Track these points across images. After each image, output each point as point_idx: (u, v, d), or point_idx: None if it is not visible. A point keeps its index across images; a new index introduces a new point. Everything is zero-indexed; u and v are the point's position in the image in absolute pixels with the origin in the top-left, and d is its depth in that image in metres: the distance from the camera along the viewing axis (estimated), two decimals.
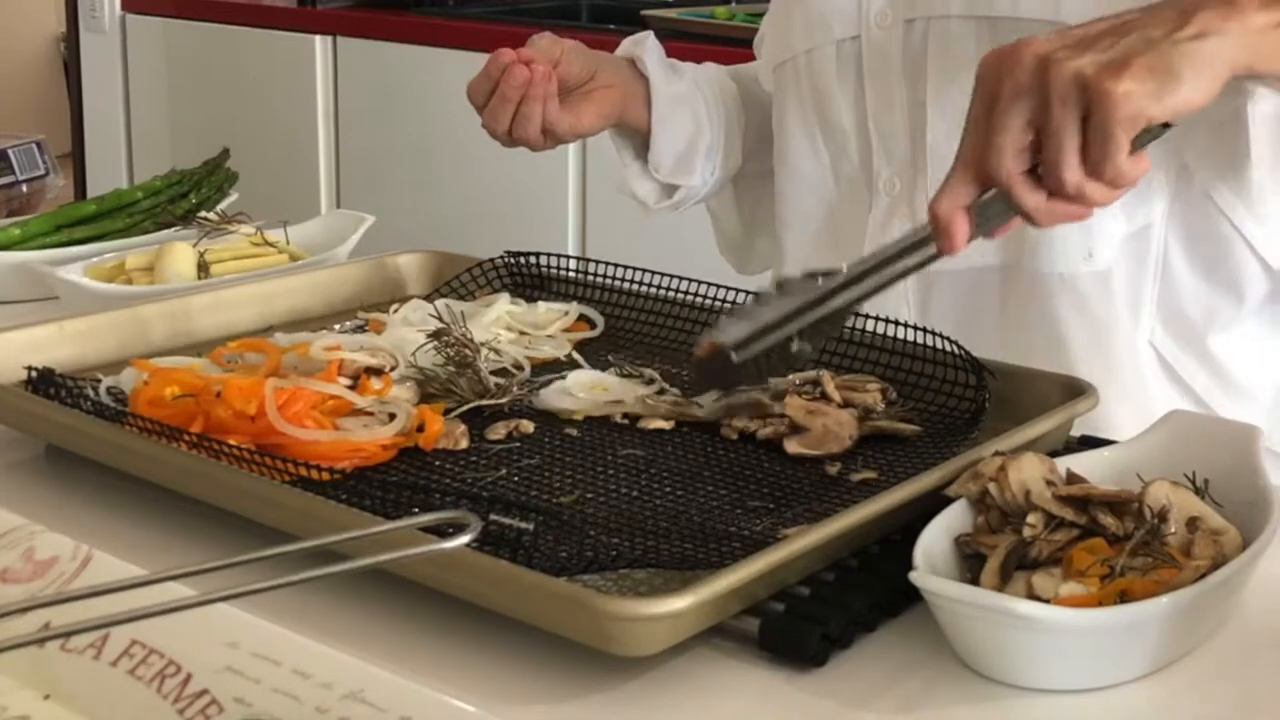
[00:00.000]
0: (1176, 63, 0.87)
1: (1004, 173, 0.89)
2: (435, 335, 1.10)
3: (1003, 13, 1.18)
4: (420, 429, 1.01)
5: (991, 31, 1.18)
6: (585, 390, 1.09)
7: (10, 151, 1.86)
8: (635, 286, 1.28)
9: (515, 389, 1.08)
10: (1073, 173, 0.87)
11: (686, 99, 1.39)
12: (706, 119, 1.41)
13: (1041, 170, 0.89)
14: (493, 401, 1.06)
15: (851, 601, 0.81)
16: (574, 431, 1.05)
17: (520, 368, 1.14)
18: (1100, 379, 1.07)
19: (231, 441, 0.94)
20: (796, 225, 1.36)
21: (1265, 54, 0.91)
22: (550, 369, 1.15)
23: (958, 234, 0.91)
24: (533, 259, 1.36)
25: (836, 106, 1.30)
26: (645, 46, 1.38)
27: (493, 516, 0.86)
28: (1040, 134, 0.88)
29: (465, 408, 1.06)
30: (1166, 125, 0.89)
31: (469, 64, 3.37)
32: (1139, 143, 0.88)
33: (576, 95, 1.33)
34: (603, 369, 1.15)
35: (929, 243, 0.92)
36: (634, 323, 1.26)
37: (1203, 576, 0.78)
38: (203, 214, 1.56)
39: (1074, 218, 0.91)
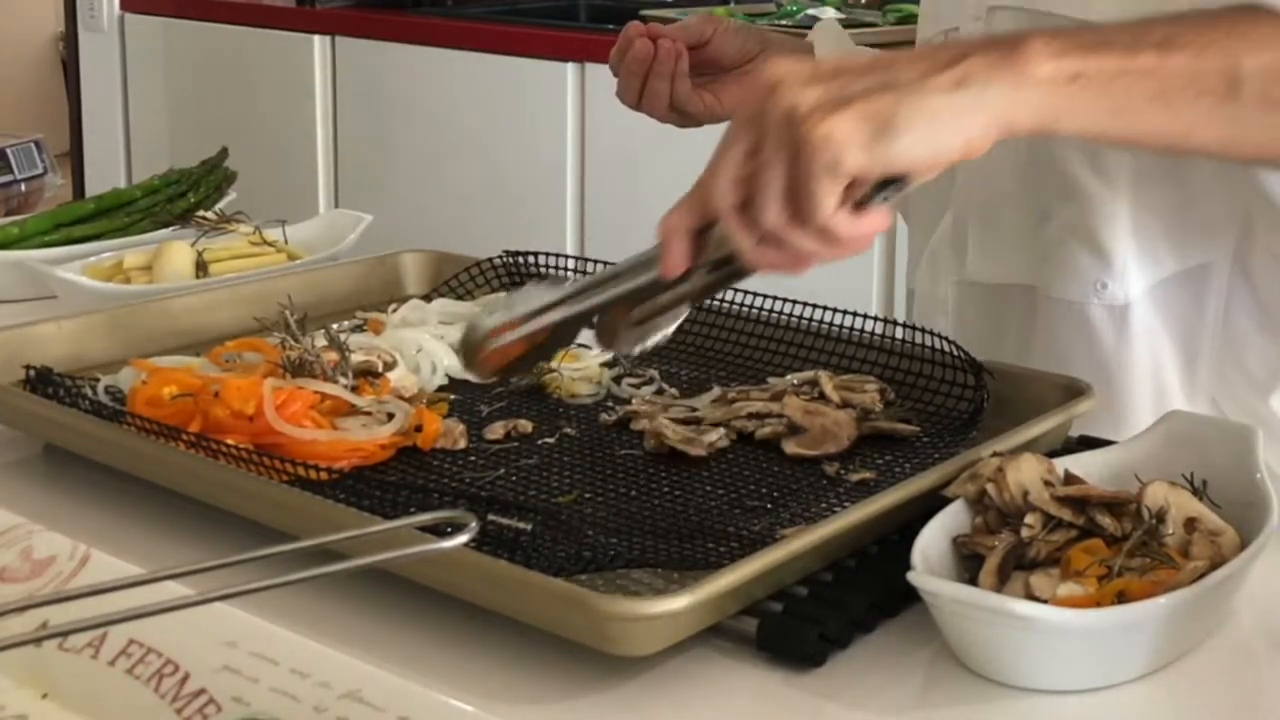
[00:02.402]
0: (903, 112, 0.77)
1: (716, 202, 0.80)
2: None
3: (1038, 6, 1.13)
4: (418, 429, 1.01)
5: (1032, 25, 1.12)
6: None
7: (9, 150, 1.86)
8: None
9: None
10: (771, 216, 0.78)
11: None
12: None
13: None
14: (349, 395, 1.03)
15: (849, 602, 0.81)
16: (572, 431, 1.05)
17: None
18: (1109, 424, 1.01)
19: (229, 441, 0.94)
20: (913, 215, 1.34)
21: (1057, 110, 0.80)
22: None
23: (672, 257, 0.83)
24: (531, 258, 1.36)
25: None
26: (821, 34, 1.36)
27: (491, 516, 0.86)
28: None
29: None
30: (902, 180, 0.79)
31: (467, 64, 3.37)
32: (871, 196, 0.79)
33: (731, 76, 1.30)
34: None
35: (657, 263, 0.84)
36: None
37: (1201, 577, 0.78)
38: (201, 213, 1.56)
39: (786, 268, 0.81)
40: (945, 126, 0.78)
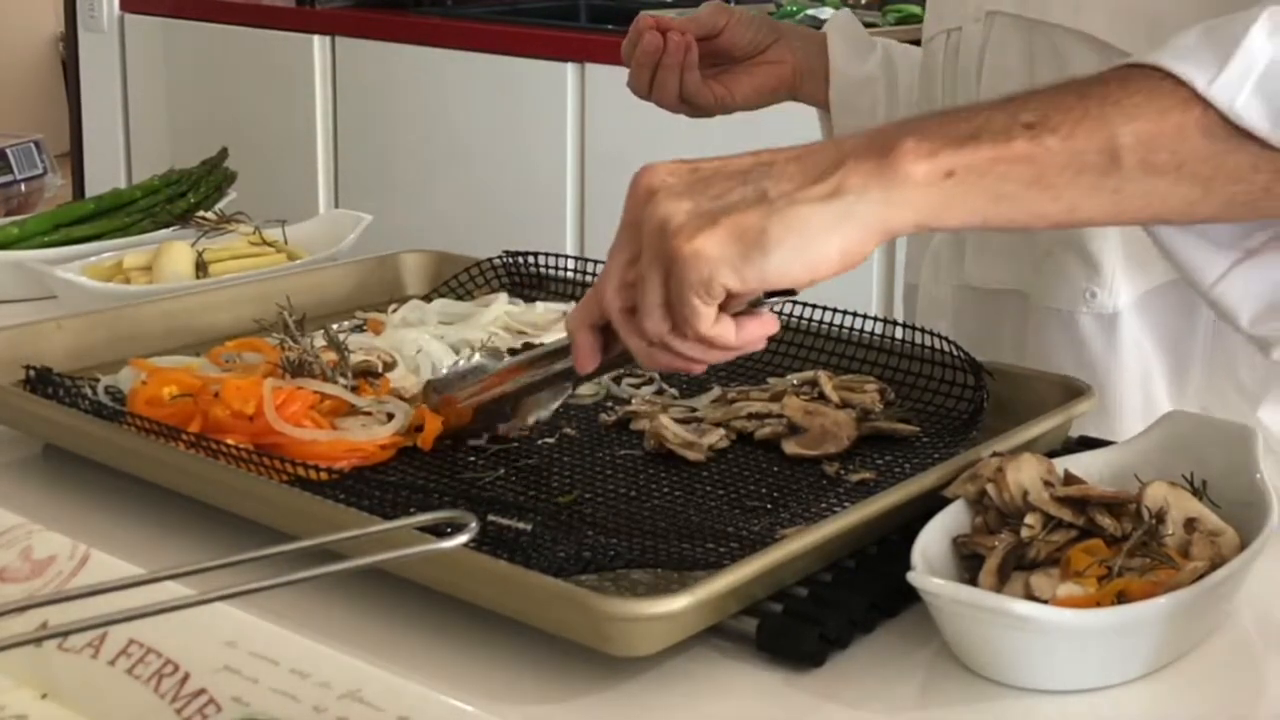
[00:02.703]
0: (773, 229, 0.76)
1: (605, 304, 0.82)
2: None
3: (1030, 14, 1.14)
4: (418, 429, 1.01)
5: (1029, 34, 1.14)
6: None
7: (9, 151, 1.86)
8: None
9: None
10: (651, 326, 0.79)
11: (868, 83, 1.36)
12: (885, 103, 1.37)
13: None
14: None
15: (849, 602, 0.81)
16: (572, 431, 1.05)
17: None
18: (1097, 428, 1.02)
19: (229, 441, 0.94)
20: None
21: (936, 208, 0.78)
22: None
23: (581, 352, 0.86)
24: (531, 259, 1.36)
25: (936, 101, 1.25)
26: (834, 24, 1.36)
27: (491, 516, 0.86)
28: None
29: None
30: (790, 291, 0.80)
31: (468, 64, 3.37)
32: (759, 303, 0.80)
33: (742, 67, 1.31)
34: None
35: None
36: None
37: (1200, 577, 0.78)
38: (201, 213, 1.56)
39: (679, 368, 0.83)
40: (816, 239, 0.77)
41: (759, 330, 0.81)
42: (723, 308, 0.79)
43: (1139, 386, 1.14)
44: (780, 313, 0.80)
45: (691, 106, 1.30)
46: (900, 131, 0.79)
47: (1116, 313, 1.13)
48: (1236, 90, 0.80)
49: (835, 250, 0.77)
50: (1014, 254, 1.19)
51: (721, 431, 1.02)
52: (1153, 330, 1.14)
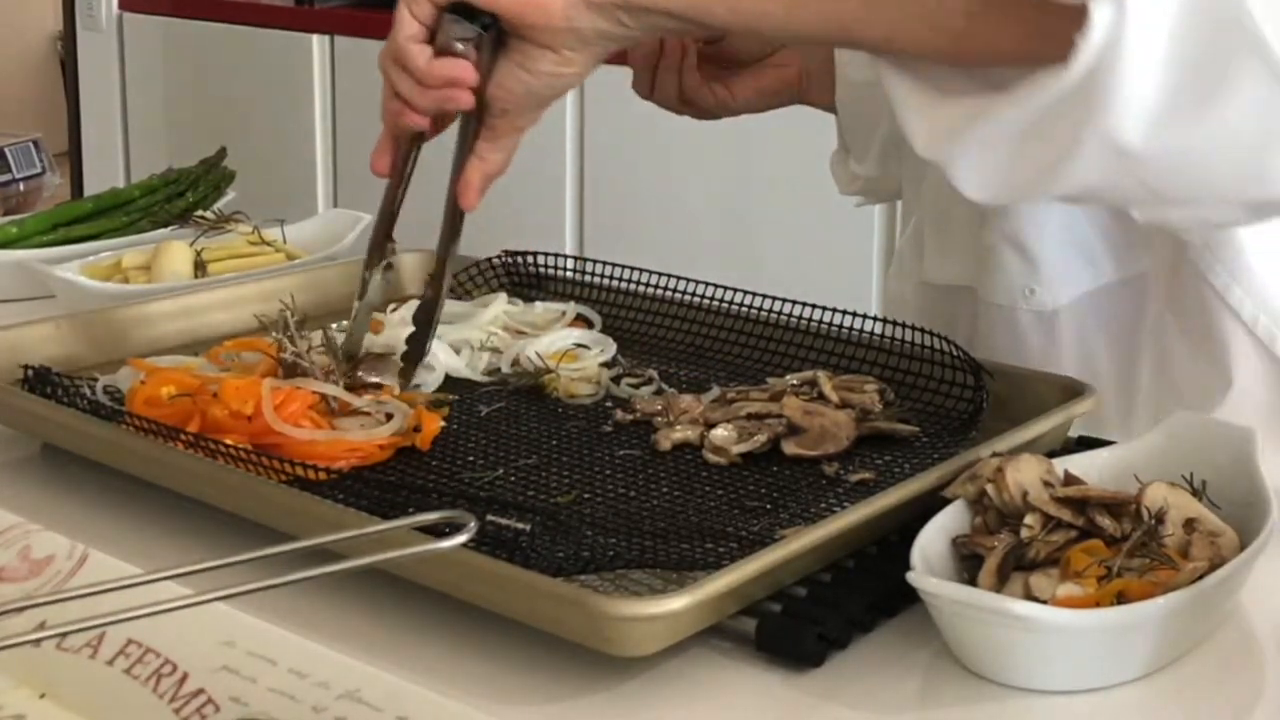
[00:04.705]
0: None
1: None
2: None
3: None
4: (417, 429, 1.00)
5: None
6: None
7: (7, 150, 1.86)
8: (632, 286, 1.28)
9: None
10: (388, 44, 0.96)
11: (875, 87, 1.35)
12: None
13: None
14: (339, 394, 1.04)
15: (849, 602, 0.81)
16: (572, 430, 1.05)
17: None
18: None
19: (228, 441, 0.94)
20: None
21: None
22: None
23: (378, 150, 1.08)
24: (530, 258, 1.36)
25: None
26: None
27: (489, 516, 0.86)
28: None
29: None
30: (484, 26, 0.93)
31: None
32: (451, 44, 0.94)
33: (747, 69, 1.30)
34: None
35: None
36: (632, 322, 1.26)
37: (1200, 578, 0.78)
38: (199, 213, 1.56)
39: (399, 108, 0.98)
40: None
41: (449, 68, 0.94)
42: (443, 51, 0.94)
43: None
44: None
45: (693, 108, 1.30)
46: None
47: (1056, 310, 1.14)
48: None
49: None
50: (965, 250, 1.20)
51: (760, 439, 1.01)
52: (1100, 330, 1.15)
